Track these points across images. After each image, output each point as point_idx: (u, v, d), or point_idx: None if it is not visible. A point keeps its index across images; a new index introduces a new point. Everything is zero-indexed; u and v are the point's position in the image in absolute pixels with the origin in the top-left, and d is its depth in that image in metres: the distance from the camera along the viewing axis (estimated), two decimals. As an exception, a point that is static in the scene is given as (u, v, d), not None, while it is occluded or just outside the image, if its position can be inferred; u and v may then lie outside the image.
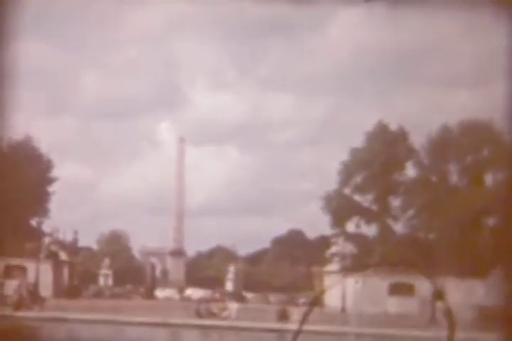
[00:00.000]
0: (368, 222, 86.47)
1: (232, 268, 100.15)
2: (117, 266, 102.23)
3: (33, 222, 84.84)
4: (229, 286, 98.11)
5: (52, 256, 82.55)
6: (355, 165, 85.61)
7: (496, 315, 49.03)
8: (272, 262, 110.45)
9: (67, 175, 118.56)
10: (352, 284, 64.75)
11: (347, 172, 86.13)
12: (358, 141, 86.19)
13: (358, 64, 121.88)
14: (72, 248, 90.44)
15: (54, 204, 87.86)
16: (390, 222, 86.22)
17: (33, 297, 65.85)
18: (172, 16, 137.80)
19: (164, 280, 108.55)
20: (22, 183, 73.25)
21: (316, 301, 47.73)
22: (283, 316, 58.34)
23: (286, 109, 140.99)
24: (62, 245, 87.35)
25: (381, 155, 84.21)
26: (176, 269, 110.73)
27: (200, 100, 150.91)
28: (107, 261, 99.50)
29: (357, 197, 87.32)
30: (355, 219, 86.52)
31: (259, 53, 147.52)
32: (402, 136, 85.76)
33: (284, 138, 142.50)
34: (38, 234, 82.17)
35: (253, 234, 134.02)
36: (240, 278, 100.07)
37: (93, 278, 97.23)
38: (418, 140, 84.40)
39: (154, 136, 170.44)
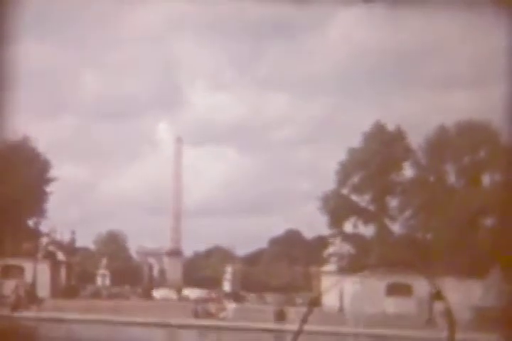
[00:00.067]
0: (366, 222, 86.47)
1: (229, 269, 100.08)
2: (115, 266, 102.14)
3: (31, 222, 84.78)
4: (226, 286, 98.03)
5: (50, 256, 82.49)
6: (353, 165, 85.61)
7: (494, 315, 49.08)
8: (269, 262, 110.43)
9: (65, 175, 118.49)
10: (350, 284, 64.81)
11: (344, 172, 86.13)
12: (356, 141, 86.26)
13: (357, 64, 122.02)
14: (70, 248, 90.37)
15: (51, 205, 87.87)
16: (387, 222, 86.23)
17: (31, 297, 65.86)
18: (171, 16, 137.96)
19: (162, 281, 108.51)
20: (20, 183, 73.22)
21: (316, 302, 47.75)
22: (280, 316, 58.35)
23: (284, 110, 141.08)
24: (60, 245, 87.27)
25: (378, 156, 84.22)
26: (174, 269, 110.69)
27: (199, 100, 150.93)
28: (104, 261, 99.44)
29: (354, 197, 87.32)
30: (352, 220, 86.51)
31: (258, 53, 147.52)
32: (399, 136, 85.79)
33: (281, 138, 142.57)
34: (35, 234, 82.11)
35: (251, 234, 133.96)
36: (238, 278, 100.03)
37: (91, 278, 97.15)
38: (415, 140, 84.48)
39: (152, 136, 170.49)
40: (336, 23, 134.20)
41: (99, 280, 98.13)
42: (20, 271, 75.21)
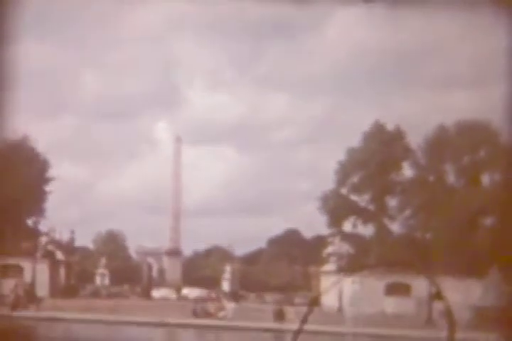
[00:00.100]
0: (365, 221, 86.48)
1: (228, 268, 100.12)
2: (114, 265, 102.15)
3: (30, 222, 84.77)
4: (225, 286, 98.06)
5: (49, 255, 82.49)
6: (352, 165, 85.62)
7: (493, 315, 49.11)
8: (268, 262, 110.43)
9: (64, 174, 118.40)
10: (349, 284, 64.77)
11: (344, 172, 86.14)
12: (355, 141, 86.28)
13: (356, 64, 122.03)
14: (69, 247, 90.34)
15: (51, 204, 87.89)
16: (386, 221, 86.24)
17: (30, 296, 65.84)
18: (171, 16, 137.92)
19: (161, 280, 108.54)
20: (19, 183, 73.19)
21: (316, 301, 47.77)
22: (279, 316, 58.36)
23: (283, 109, 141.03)
24: (59, 244, 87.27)
25: (378, 155, 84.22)
26: (173, 269, 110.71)
27: (198, 100, 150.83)
28: (103, 261, 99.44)
29: (354, 197, 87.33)
30: (351, 219, 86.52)
31: (257, 53, 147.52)
32: (399, 136, 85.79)
33: (281, 138, 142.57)
34: (34, 233, 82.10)
35: (250, 233, 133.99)
36: (237, 277, 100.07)
37: (90, 277, 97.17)
38: (415, 140, 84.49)
39: (151, 135, 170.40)
40: (336, 22, 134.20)
41: (98, 280, 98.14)
42: (20, 270, 75.21)
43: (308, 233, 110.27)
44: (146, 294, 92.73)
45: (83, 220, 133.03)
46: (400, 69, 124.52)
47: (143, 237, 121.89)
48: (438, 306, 54.79)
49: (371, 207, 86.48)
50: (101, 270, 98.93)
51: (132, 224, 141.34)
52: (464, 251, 72.51)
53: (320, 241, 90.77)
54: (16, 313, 56.36)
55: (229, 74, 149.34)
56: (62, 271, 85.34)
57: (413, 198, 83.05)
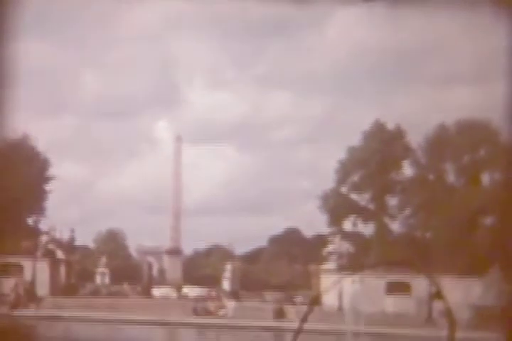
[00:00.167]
0: (365, 220, 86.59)
1: (229, 267, 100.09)
2: (114, 264, 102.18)
3: (30, 221, 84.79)
4: (226, 285, 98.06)
5: (49, 254, 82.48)
6: (352, 163, 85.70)
7: (493, 314, 49.12)
8: (268, 261, 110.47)
9: (64, 173, 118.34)
10: (349, 283, 64.76)
11: (344, 171, 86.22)
12: (356, 140, 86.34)
13: (357, 63, 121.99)
14: (69, 246, 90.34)
15: (51, 203, 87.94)
16: (386, 220, 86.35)
17: (30, 295, 65.83)
18: (169, 14, 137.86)
19: (161, 279, 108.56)
20: (19, 182, 73.22)
21: (316, 300, 47.77)
22: (280, 314, 58.40)
23: (283, 108, 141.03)
24: (59, 243, 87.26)
25: (378, 154, 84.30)
26: (173, 268, 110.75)
27: (198, 99, 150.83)
28: (103, 260, 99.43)
29: (354, 196, 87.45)
30: (352, 218, 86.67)
31: (256, 52, 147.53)
32: (399, 134, 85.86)
33: (281, 136, 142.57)
34: (34, 232, 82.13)
35: (250, 232, 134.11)
36: (237, 276, 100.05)
37: (90, 276, 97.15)
38: (415, 139, 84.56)
39: (152, 134, 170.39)
40: (336, 22, 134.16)
41: (98, 279, 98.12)
42: (20, 269, 75.18)
43: (308, 232, 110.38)
44: (147, 293, 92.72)
45: (83, 219, 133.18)
46: (400, 68, 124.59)
47: (143, 236, 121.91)
48: (438, 305, 54.84)
49: (371, 206, 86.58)
50: (101, 269, 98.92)
51: (132, 223, 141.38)
52: (463, 250, 72.56)
53: (320, 240, 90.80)
54: (16, 312, 56.38)
55: (229, 73, 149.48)
56: (62, 270, 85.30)
57: (413, 197, 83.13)
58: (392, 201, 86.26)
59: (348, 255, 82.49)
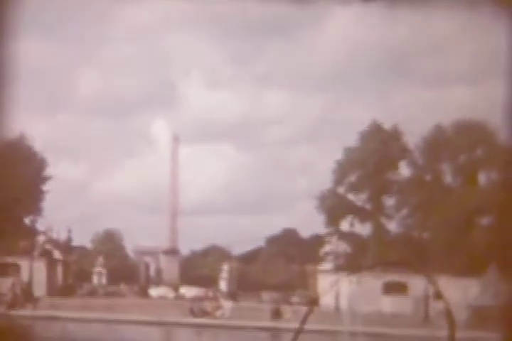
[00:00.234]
0: (362, 220, 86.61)
1: (226, 267, 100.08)
2: (111, 264, 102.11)
3: (27, 221, 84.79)
4: (223, 285, 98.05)
5: (47, 254, 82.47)
6: (350, 164, 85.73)
7: (491, 314, 49.14)
8: (266, 261, 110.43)
9: (61, 173, 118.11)
10: (346, 283, 64.80)
11: (341, 171, 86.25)
12: (353, 140, 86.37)
13: (355, 63, 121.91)
14: (66, 246, 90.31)
15: (48, 203, 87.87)
16: (383, 221, 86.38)
17: (27, 295, 65.79)
18: (168, 13, 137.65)
19: (158, 279, 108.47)
20: (16, 182, 73.17)
21: (316, 301, 47.84)
22: (277, 314, 58.43)
23: (281, 108, 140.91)
24: (56, 243, 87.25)
25: (375, 155, 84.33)
26: (170, 268, 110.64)
27: (195, 98, 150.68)
28: (100, 260, 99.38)
29: (351, 196, 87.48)
30: (349, 218, 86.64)
31: (254, 51, 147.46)
32: (396, 135, 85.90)
33: (278, 136, 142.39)
34: (31, 232, 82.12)
35: (247, 232, 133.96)
36: (234, 277, 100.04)
37: (87, 276, 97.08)
38: (412, 139, 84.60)
39: (149, 134, 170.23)
40: (335, 21, 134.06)
41: (95, 279, 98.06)
42: (17, 269, 75.13)
43: (305, 232, 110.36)
44: (144, 293, 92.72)
45: (81, 219, 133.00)
46: (398, 68, 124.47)
47: (140, 236, 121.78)
48: (435, 305, 54.87)
49: (368, 206, 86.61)
50: (98, 269, 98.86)
51: (129, 223, 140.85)
52: (461, 251, 72.60)
53: (317, 240, 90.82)
54: (13, 312, 56.35)
55: (227, 72, 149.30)
56: (59, 270, 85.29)
57: (410, 197, 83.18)
58: (389, 201, 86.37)
59: (345, 255, 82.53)
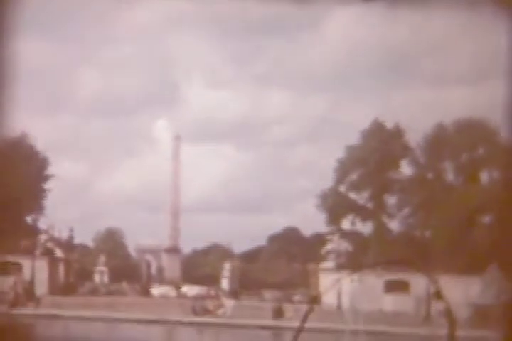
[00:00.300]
0: (364, 219, 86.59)
1: (227, 266, 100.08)
2: (113, 263, 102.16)
3: (29, 219, 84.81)
4: (225, 284, 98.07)
5: (48, 253, 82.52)
6: (351, 162, 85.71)
7: (492, 313, 49.15)
8: (267, 259, 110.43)
9: (63, 172, 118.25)
10: (348, 282, 64.80)
11: (343, 169, 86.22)
12: (354, 139, 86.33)
13: (356, 62, 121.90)
14: (68, 245, 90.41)
15: (50, 202, 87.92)
16: (385, 219, 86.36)
17: (29, 294, 65.84)
18: (169, 14, 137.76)
19: (160, 278, 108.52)
20: (18, 181, 73.21)
21: (317, 300, 47.83)
22: (278, 313, 58.42)
23: (282, 107, 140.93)
24: (58, 242, 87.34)
25: (377, 153, 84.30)
26: (172, 266, 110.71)
27: (197, 98, 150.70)
28: (102, 258, 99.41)
29: (352, 195, 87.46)
30: (350, 217, 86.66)
31: (254, 51, 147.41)
32: (397, 134, 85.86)
33: (280, 135, 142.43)
34: (33, 231, 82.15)
35: (249, 231, 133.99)
36: (236, 275, 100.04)
37: (89, 275, 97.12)
38: (414, 138, 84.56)
39: (151, 133, 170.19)
40: (335, 21, 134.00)
41: (97, 278, 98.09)
42: (19, 267, 75.19)
43: (307, 231, 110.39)
44: (145, 292, 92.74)
45: (82, 218, 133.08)
46: (399, 67, 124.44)
47: (142, 235, 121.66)
48: (437, 304, 54.86)
49: (370, 205, 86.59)
50: (100, 267, 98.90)
51: (131, 221, 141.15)
52: (462, 249, 72.58)
53: (319, 239, 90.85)
54: (15, 311, 56.40)
55: (228, 72, 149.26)
56: (61, 269, 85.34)
57: (412, 196, 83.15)
58: (391, 200, 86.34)
59: (346, 254, 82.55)
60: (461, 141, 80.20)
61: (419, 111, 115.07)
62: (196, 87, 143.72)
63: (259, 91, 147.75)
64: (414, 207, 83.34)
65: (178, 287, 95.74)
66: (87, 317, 54.27)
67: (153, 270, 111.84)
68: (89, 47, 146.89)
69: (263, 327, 51.82)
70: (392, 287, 73.70)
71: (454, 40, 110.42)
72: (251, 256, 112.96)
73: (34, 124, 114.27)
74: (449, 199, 77.06)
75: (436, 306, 55.78)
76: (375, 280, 70.67)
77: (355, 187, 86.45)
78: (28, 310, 58.49)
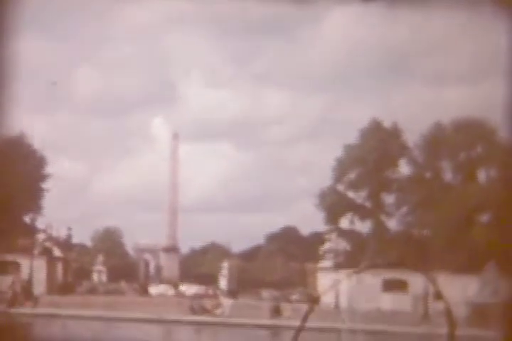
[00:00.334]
0: (362, 218, 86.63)
1: (226, 265, 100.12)
2: (111, 262, 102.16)
3: (27, 219, 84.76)
4: (223, 283, 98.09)
5: (46, 252, 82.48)
6: (349, 161, 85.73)
7: (490, 311, 49.19)
8: (265, 258, 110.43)
9: (61, 171, 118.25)
10: (346, 280, 64.80)
11: (341, 168, 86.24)
12: (352, 138, 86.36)
13: (355, 62, 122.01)
14: (66, 244, 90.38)
15: (48, 201, 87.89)
16: (383, 218, 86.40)
17: (27, 293, 65.82)
18: (168, 13, 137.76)
19: (158, 277, 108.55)
20: (16, 180, 73.16)
21: (317, 300, 47.78)
22: (276, 312, 58.44)
23: (281, 106, 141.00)
24: (56, 241, 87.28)
25: (375, 152, 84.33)
26: (170, 266, 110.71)
27: (195, 96, 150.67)
28: (100, 258, 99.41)
29: (351, 194, 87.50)
30: (348, 216, 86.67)
31: (254, 51, 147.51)
32: (395, 133, 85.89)
33: (278, 134, 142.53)
34: (31, 230, 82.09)
35: (247, 230, 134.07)
36: (234, 274, 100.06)
37: (87, 274, 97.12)
38: (412, 137, 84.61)
39: (149, 132, 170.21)
40: (335, 21, 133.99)
41: (95, 277, 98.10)
42: (17, 267, 75.18)
43: (305, 230, 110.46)
44: (143, 291, 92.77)
45: (80, 217, 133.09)
46: (398, 67, 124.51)
47: (140, 234, 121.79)
48: (435, 303, 54.88)
49: (368, 204, 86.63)
50: (98, 267, 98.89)
51: (129, 221, 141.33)
52: (461, 248, 72.62)
53: (317, 238, 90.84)
54: (13, 310, 56.39)
55: (227, 71, 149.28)
56: (59, 268, 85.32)
57: (410, 195, 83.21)
58: (389, 199, 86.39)
59: (344, 253, 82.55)
60: (459, 140, 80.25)
61: (417, 112, 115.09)
62: (196, 86, 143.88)
63: (258, 90, 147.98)
64: (412, 205, 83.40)
65: (176, 286, 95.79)
66: (85, 317, 54.27)
67: (152, 269, 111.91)
68: (89, 47, 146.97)
69: (261, 327, 51.83)
70: (390, 286, 73.73)
71: (453, 40, 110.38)
72: (249, 255, 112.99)
73: (32, 123, 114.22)
74: (447, 198, 77.11)
75: (435, 305, 55.80)
76: (373, 279, 70.70)
77: (354, 186, 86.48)
78: (26, 309, 58.48)
